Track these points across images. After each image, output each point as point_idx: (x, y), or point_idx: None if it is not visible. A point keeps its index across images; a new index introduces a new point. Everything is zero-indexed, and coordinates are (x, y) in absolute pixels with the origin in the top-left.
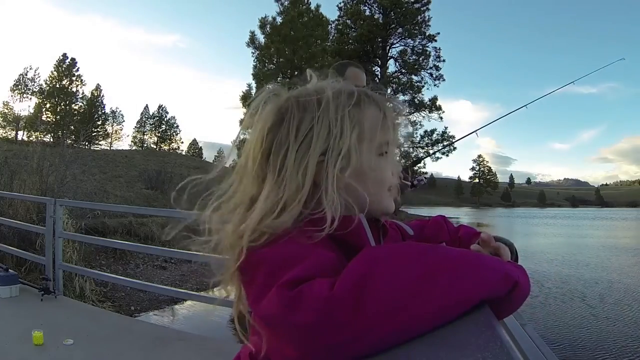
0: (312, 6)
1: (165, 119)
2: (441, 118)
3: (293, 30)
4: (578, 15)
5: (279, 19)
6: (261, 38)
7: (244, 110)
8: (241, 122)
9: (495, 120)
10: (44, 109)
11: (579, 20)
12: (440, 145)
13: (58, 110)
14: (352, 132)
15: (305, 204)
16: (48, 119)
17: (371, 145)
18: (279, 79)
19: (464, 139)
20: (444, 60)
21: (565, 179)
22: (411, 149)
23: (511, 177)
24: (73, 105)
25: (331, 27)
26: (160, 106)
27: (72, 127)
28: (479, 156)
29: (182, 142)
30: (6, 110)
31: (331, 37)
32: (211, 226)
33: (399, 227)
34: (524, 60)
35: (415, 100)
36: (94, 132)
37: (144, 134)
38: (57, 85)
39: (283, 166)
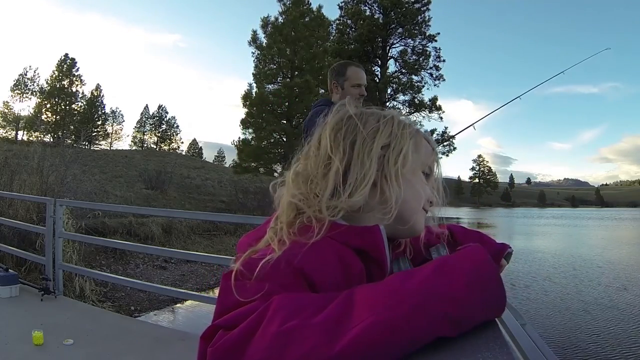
0: (314, 7)
1: (165, 119)
2: (441, 118)
3: (294, 31)
4: (582, 12)
5: (280, 19)
6: (262, 38)
7: (245, 109)
8: (242, 122)
9: (491, 112)
10: (44, 109)
11: (584, 18)
12: (440, 145)
13: (58, 110)
14: (410, 139)
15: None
16: (48, 119)
17: (419, 159)
18: (279, 79)
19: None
20: (444, 60)
21: (565, 179)
22: None
23: (511, 177)
24: (73, 105)
25: (332, 27)
26: (160, 106)
27: (72, 127)
28: (479, 156)
29: (182, 142)
30: (6, 110)
31: (332, 37)
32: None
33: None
34: (526, 59)
35: (415, 100)
36: (94, 132)
37: (144, 134)
38: (58, 85)
39: (352, 150)
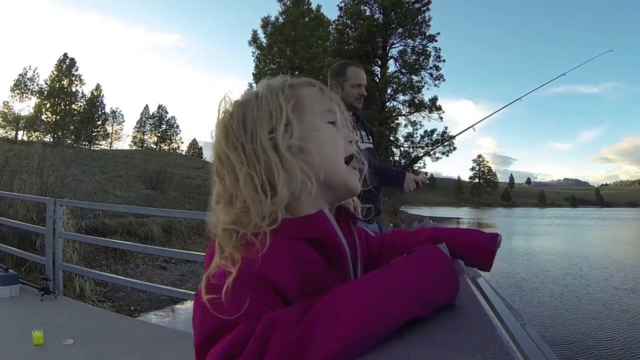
0: (313, 6)
1: (165, 119)
2: (441, 118)
3: (294, 31)
4: (582, 12)
5: (280, 19)
6: (262, 38)
7: None
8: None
9: (491, 114)
10: (44, 109)
11: (584, 18)
12: (440, 145)
13: (58, 110)
14: (288, 104)
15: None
16: (48, 119)
17: (312, 112)
18: None
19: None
20: (444, 61)
21: (565, 179)
22: (411, 149)
23: (511, 177)
24: (73, 105)
25: (332, 27)
26: (160, 106)
27: (72, 127)
28: (479, 156)
29: (182, 142)
30: (6, 110)
31: (331, 37)
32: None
33: (364, 230)
34: (526, 59)
35: (415, 100)
36: (94, 132)
37: (144, 134)
38: (57, 86)
39: (244, 153)
